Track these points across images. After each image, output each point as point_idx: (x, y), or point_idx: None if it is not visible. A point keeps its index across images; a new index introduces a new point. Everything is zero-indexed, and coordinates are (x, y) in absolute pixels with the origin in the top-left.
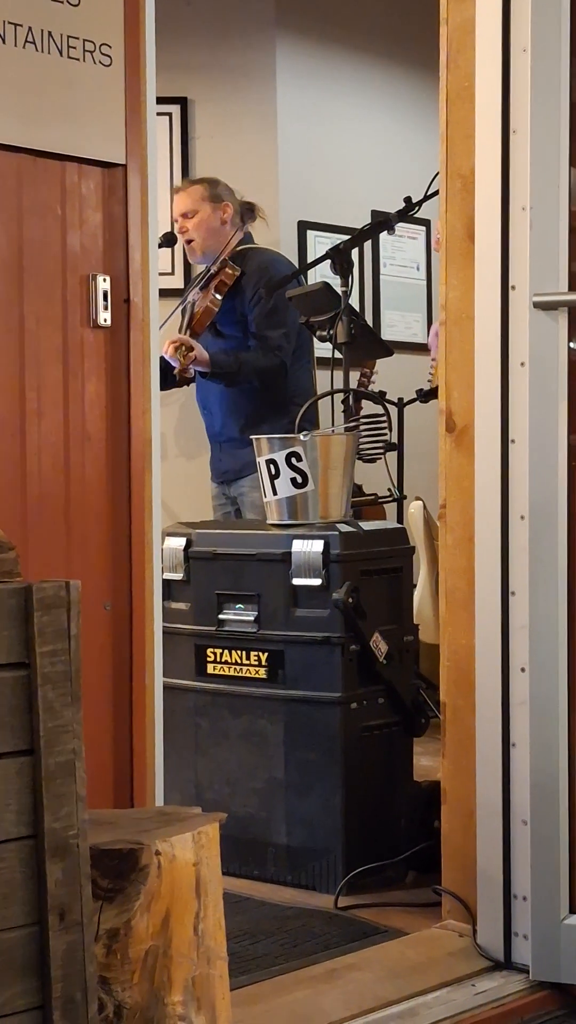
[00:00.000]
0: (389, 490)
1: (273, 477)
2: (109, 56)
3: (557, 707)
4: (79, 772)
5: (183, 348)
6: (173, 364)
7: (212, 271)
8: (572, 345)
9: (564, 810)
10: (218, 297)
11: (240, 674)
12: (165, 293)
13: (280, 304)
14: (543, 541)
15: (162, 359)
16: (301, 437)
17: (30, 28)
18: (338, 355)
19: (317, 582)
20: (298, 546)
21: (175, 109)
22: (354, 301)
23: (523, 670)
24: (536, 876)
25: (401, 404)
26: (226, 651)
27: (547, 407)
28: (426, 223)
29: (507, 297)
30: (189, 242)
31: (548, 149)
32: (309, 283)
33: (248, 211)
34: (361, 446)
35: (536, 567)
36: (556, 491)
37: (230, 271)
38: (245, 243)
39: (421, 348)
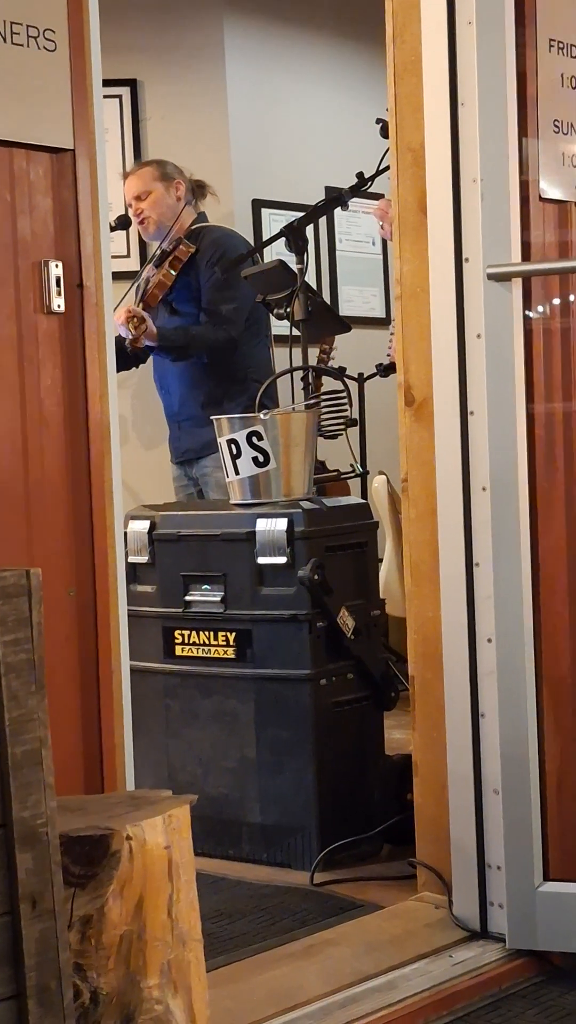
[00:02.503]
0: (352, 466)
1: (235, 457)
2: (53, 41)
3: (524, 676)
4: (46, 760)
5: (135, 320)
6: (125, 335)
7: (167, 249)
8: (529, 314)
9: (535, 778)
10: (172, 272)
11: (208, 655)
12: (121, 276)
13: (232, 279)
14: (505, 512)
15: (117, 340)
16: (261, 416)
17: None
18: (296, 332)
19: (282, 560)
20: (262, 525)
21: (125, 91)
22: (311, 278)
23: (490, 640)
24: (509, 845)
25: (361, 379)
26: (194, 632)
27: (504, 378)
28: (380, 197)
29: (461, 269)
30: (143, 221)
31: (496, 120)
32: (265, 261)
33: (199, 189)
34: (322, 422)
35: (499, 538)
36: (516, 462)
37: (184, 248)
38: (200, 221)
39: (379, 323)
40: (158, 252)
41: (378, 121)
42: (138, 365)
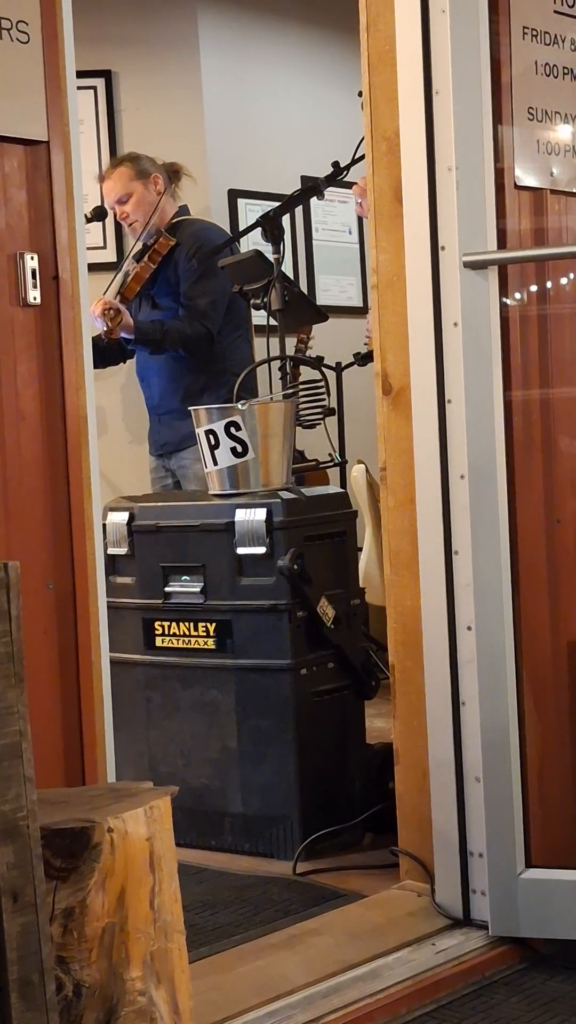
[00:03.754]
0: (330, 455)
1: (213, 447)
2: (27, 33)
3: (504, 664)
4: (26, 753)
5: (110, 312)
6: (100, 327)
7: (149, 243)
8: (506, 302)
9: (516, 766)
10: (151, 265)
11: (189, 646)
12: (97, 267)
13: (209, 272)
14: (483, 500)
15: (96, 339)
16: (239, 406)
17: None
18: (273, 322)
19: (261, 550)
20: (241, 515)
21: (100, 82)
22: (287, 267)
23: (469, 628)
24: (491, 832)
25: (339, 368)
26: (174, 623)
27: (482, 366)
28: (354, 185)
29: (437, 258)
30: (131, 225)
31: (471, 109)
32: (241, 251)
33: (174, 173)
34: (300, 412)
35: (478, 526)
36: (494, 450)
37: (164, 241)
38: (181, 215)
39: (356, 312)
40: (140, 246)
41: (360, 94)
42: (125, 360)
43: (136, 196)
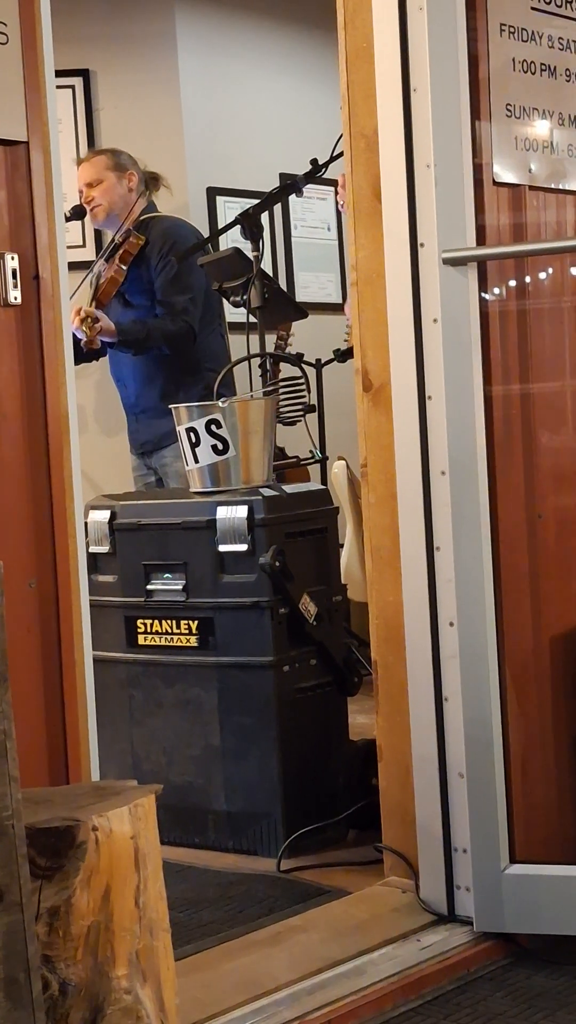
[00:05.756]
0: (311, 452)
1: (194, 445)
2: (5, 34)
3: (487, 659)
4: (10, 752)
5: (88, 320)
6: (80, 336)
7: (117, 241)
8: (485, 297)
9: (499, 761)
10: (123, 267)
11: (171, 643)
12: (76, 266)
13: (185, 269)
14: (464, 495)
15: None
16: (220, 404)
17: None
18: (253, 320)
19: (243, 547)
20: (222, 512)
21: (78, 81)
22: (266, 265)
23: (451, 624)
24: (475, 828)
25: (319, 365)
26: (156, 621)
27: (462, 362)
28: (334, 183)
29: (416, 255)
30: (93, 208)
31: (449, 106)
32: (220, 249)
33: (152, 180)
34: (281, 409)
35: (459, 521)
36: (475, 445)
37: (134, 240)
38: (148, 212)
39: (336, 308)
40: (110, 245)
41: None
42: (98, 358)
43: (106, 184)
